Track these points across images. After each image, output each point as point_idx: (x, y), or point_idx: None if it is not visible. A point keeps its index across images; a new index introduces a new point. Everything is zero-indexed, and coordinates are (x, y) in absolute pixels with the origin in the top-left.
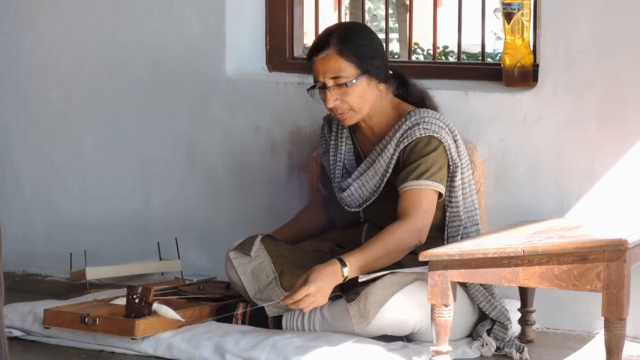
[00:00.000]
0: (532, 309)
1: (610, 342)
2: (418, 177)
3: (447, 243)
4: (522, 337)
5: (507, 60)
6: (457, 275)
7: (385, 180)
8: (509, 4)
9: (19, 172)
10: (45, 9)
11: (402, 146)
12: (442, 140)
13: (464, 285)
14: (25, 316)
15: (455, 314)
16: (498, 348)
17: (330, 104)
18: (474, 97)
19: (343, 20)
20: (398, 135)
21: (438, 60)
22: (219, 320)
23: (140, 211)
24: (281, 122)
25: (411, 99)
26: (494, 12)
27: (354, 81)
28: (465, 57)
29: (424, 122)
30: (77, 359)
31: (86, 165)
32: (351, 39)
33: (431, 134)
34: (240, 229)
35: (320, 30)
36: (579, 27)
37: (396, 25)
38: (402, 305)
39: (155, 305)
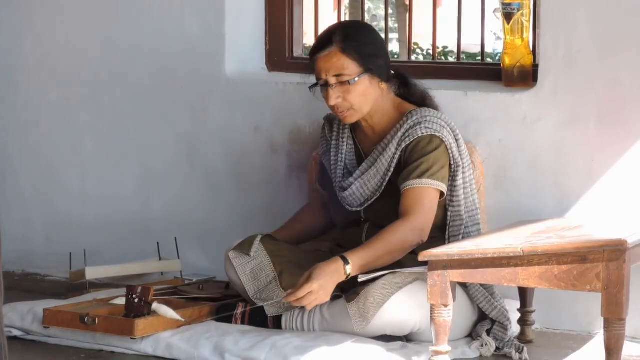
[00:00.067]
0: (532, 309)
1: (610, 342)
2: (420, 176)
3: (449, 242)
4: (522, 337)
5: (507, 60)
6: (457, 275)
7: (387, 179)
8: (509, 4)
9: (19, 172)
10: (44, 9)
11: (403, 145)
12: (444, 140)
13: (463, 285)
14: (24, 316)
15: (454, 314)
16: (497, 348)
17: (332, 102)
18: (473, 97)
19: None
20: (400, 134)
21: (438, 60)
22: (218, 320)
23: (139, 211)
24: (281, 122)
25: (412, 99)
26: (494, 12)
27: (356, 79)
28: (464, 57)
29: (425, 121)
30: (76, 359)
31: (86, 165)
32: (354, 37)
33: (433, 133)
34: (239, 229)
35: (320, 30)
36: (579, 27)
37: (396, 25)
38: (402, 305)
39: (155, 305)
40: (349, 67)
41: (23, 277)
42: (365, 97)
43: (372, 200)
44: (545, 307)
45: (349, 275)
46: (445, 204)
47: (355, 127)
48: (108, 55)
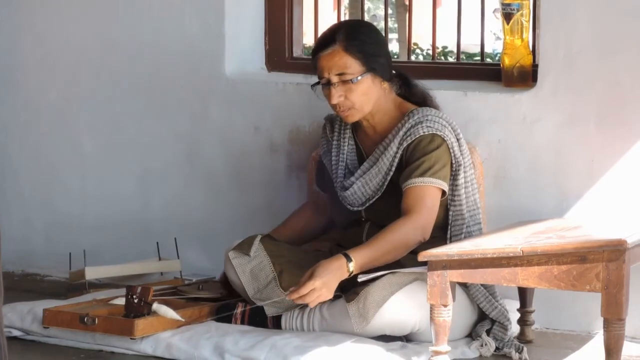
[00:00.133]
0: (532, 309)
1: (610, 342)
2: (422, 175)
3: (450, 242)
4: (521, 337)
5: (507, 61)
6: (456, 275)
7: (389, 178)
8: (508, 4)
9: (19, 172)
10: (44, 9)
11: (405, 144)
12: (445, 139)
13: (464, 285)
14: (24, 316)
15: (454, 314)
16: (497, 348)
17: (335, 100)
18: (473, 97)
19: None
20: (401, 133)
21: (437, 61)
22: (218, 320)
23: (139, 211)
24: (281, 122)
25: (413, 99)
26: (494, 12)
27: (359, 78)
28: (464, 57)
29: (427, 120)
30: (76, 359)
31: (85, 165)
32: (357, 36)
33: (434, 132)
34: (239, 229)
35: (320, 30)
36: (579, 27)
37: (395, 25)
38: (402, 305)
39: (155, 305)
40: (352, 65)
41: (23, 277)
42: (367, 96)
43: (374, 199)
44: (544, 307)
45: (352, 272)
46: (447, 203)
47: (356, 127)
48: (108, 55)
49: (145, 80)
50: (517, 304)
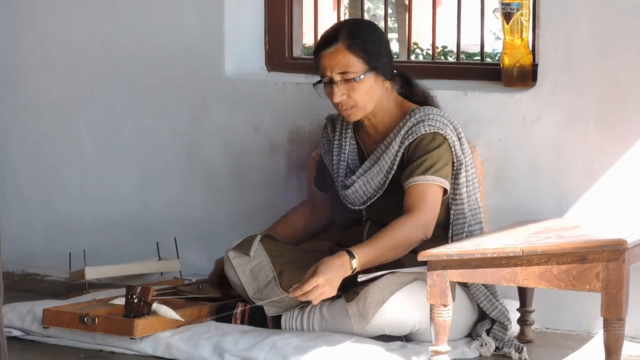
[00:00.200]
0: (531, 309)
1: (609, 342)
2: (424, 173)
3: (452, 241)
4: (521, 337)
5: (506, 60)
6: (456, 275)
7: (390, 177)
8: (508, 4)
9: (18, 172)
10: (44, 9)
11: (407, 143)
12: (447, 137)
13: (464, 284)
14: (24, 316)
15: (454, 313)
16: (497, 348)
17: (337, 99)
18: (473, 97)
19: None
20: (403, 132)
21: (437, 60)
22: (218, 320)
23: (139, 211)
24: (280, 122)
25: (414, 98)
26: (493, 12)
27: (361, 77)
28: (464, 57)
29: (428, 118)
30: (76, 359)
31: (85, 165)
32: (360, 35)
33: (436, 131)
34: (239, 229)
35: (320, 30)
36: (578, 27)
37: (395, 25)
38: (401, 305)
39: (155, 305)
40: (355, 64)
41: (22, 277)
42: (369, 95)
43: (375, 198)
44: (544, 307)
45: (355, 269)
46: (448, 202)
47: (357, 127)
48: (108, 55)
49: (145, 80)
50: (517, 304)
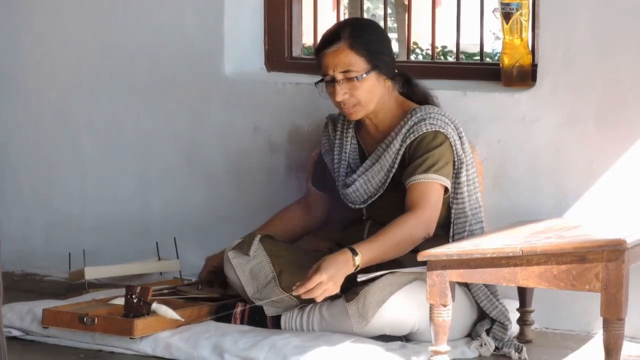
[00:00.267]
0: (531, 309)
1: (609, 342)
2: (425, 171)
3: (453, 240)
4: (521, 337)
5: (506, 60)
6: (456, 275)
7: (391, 175)
8: (508, 4)
9: (18, 172)
10: (44, 9)
11: (408, 141)
12: (448, 136)
13: (465, 284)
14: (23, 316)
15: (454, 313)
16: (497, 348)
17: (339, 98)
18: (472, 97)
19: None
20: (404, 130)
21: (437, 60)
22: (217, 320)
23: (139, 211)
24: (280, 122)
25: (415, 98)
26: (493, 12)
27: (364, 75)
28: (463, 57)
29: (430, 117)
30: (75, 359)
31: (85, 165)
32: (362, 34)
33: (437, 129)
34: (238, 229)
35: (319, 30)
36: (578, 26)
37: (395, 25)
38: (401, 305)
39: (155, 305)
40: (357, 63)
41: (22, 277)
42: (371, 93)
43: (375, 197)
44: (544, 307)
45: (358, 266)
46: (449, 201)
47: (358, 126)
48: (107, 55)
49: (145, 80)
50: (517, 304)
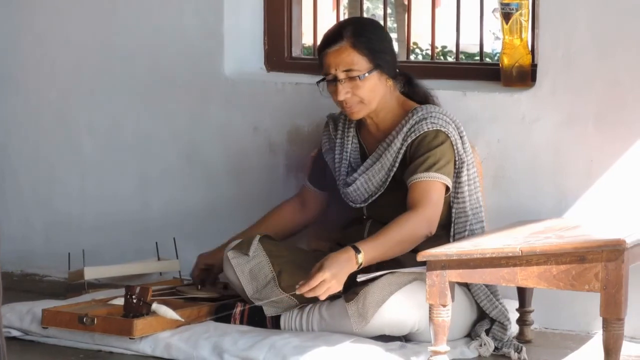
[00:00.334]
0: (531, 309)
1: (609, 342)
2: (427, 170)
3: (454, 240)
4: (521, 337)
5: (506, 60)
6: (455, 275)
7: (392, 174)
8: (507, 4)
9: (18, 172)
10: (44, 9)
11: (409, 140)
12: (449, 135)
13: (465, 284)
14: (23, 316)
15: (453, 314)
16: (496, 348)
17: (341, 97)
18: (472, 97)
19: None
20: (405, 129)
21: (436, 60)
22: (217, 320)
23: (138, 211)
24: (279, 122)
25: (416, 98)
26: (493, 12)
27: (366, 75)
28: (463, 57)
29: (431, 116)
30: (75, 359)
31: (85, 165)
32: (364, 33)
33: (439, 128)
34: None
35: (319, 30)
36: (578, 27)
37: (394, 25)
38: (401, 305)
39: (155, 305)
40: (359, 62)
41: (22, 277)
42: (373, 92)
43: (376, 196)
44: (543, 307)
45: (361, 264)
46: (450, 200)
47: (359, 125)
48: (107, 55)
49: (145, 80)
50: (516, 304)
